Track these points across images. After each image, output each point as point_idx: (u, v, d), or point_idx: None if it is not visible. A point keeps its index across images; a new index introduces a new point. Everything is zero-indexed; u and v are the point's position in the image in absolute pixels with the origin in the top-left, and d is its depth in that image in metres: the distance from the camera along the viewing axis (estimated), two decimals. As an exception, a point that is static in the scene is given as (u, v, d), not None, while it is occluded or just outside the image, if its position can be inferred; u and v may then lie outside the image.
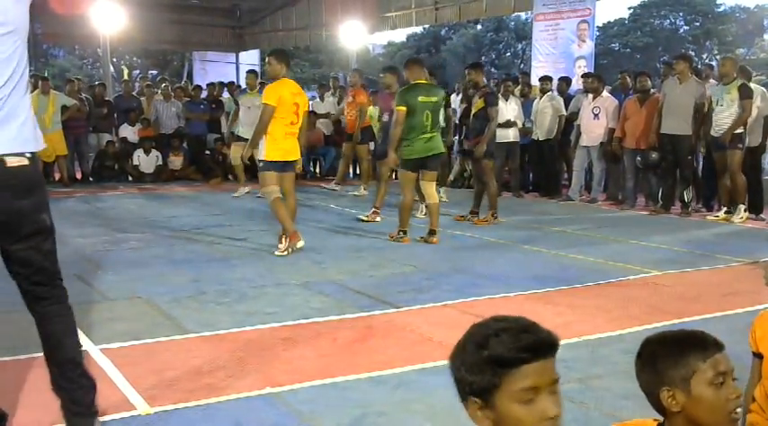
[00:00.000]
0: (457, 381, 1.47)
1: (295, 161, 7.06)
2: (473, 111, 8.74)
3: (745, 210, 8.94)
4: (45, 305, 2.76)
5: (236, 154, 11.12)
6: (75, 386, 2.82)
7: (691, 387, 1.69)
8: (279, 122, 6.80)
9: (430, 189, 7.65)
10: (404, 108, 7.28)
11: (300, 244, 6.79)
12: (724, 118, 8.86)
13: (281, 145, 6.84)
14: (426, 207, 8.02)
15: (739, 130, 8.81)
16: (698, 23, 40.74)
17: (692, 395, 1.69)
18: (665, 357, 1.74)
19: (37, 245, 2.68)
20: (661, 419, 1.79)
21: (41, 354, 2.86)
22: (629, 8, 42.20)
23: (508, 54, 44.06)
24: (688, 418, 1.71)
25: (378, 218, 8.79)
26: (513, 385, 1.38)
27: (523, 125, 11.49)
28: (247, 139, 10.80)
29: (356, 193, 11.56)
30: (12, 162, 2.55)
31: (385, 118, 8.81)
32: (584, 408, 3.22)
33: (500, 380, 1.39)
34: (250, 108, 10.84)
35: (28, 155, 2.61)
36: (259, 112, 10.65)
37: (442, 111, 8.16)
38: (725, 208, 9.21)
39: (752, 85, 9.05)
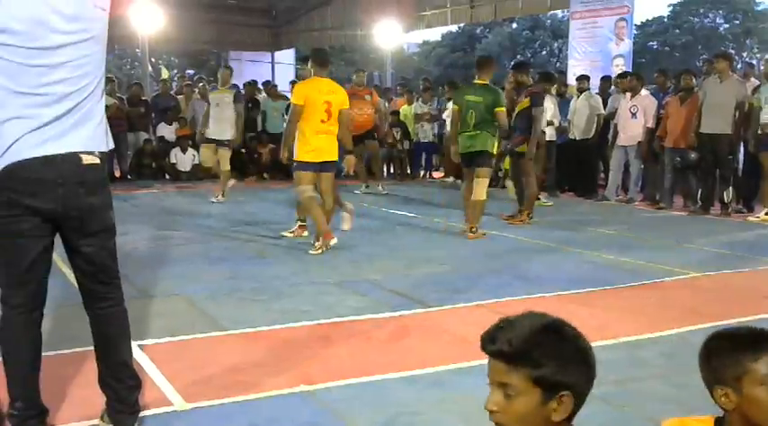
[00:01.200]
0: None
1: (333, 161, 6.98)
2: (517, 110, 8.69)
3: None
4: (105, 306, 2.83)
5: (205, 157, 10.65)
6: (123, 385, 2.89)
7: (742, 387, 1.66)
8: (308, 121, 6.77)
9: (477, 186, 7.73)
10: (456, 106, 7.90)
11: (334, 241, 6.81)
12: None
13: (312, 144, 6.78)
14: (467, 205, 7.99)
15: None
16: (738, 22, 40.04)
17: (744, 395, 1.66)
18: (718, 354, 1.72)
19: (103, 243, 2.76)
20: (720, 413, 1.77)
21: (73, 350, 2.89)
22: (669, 5, 41.63)
23: (544, 53, 43.71)
24: (743, 416, 1.69)
25: (305, 233, 7.61)
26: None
27: (560, 124, 11.39)
28: (215, 140, 10.43)
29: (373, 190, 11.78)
30: (86, 159, 2.64)
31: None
32: (621, 411, 3.19)
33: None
34: (219, 104, 10.35)
35: (98, 154, 2.70)
36: (228, 109, 10.40)
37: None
38: (766, 209, 9.04)
39: None
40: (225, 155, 10.48)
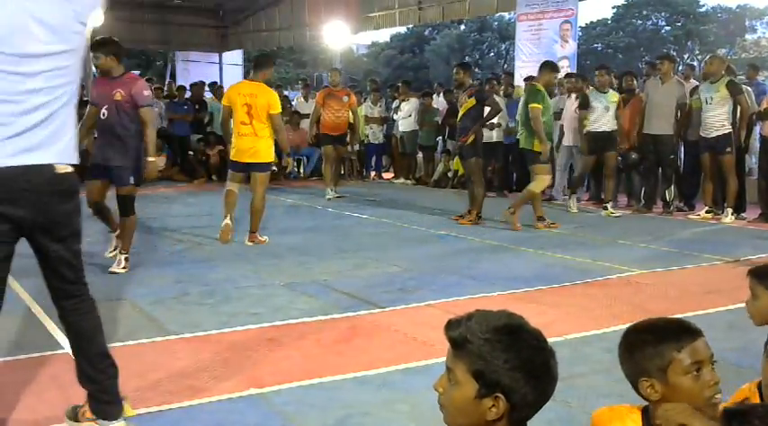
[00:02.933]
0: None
1: (260, 163, 7.19)
2: (462, 111, 8.71)
3: (732, 213, 9.00)
4: (75, 302, 2.89)
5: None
6: (105, 376, 2.94)
7: (667, 377, 1.71)
8: (233, 123, 7.20)
9: (533, 182, 8.51)
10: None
11: (226, 237, 7.23)
12: (713, 116, 8.87)
13: (234, 144, 7.24)
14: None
15: (727, 131, 8.83)
16: (679, 24, 41.06)
17: (670, 385, 1.71)
18: (642, 347, 1.76)
19: (70, 246, 2.82)
20: (644, 404, 1.81)
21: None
22: (613, 8, 42.48)
23: (492, 54, 44.23)
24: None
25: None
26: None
27: (507, 125, 11.53)
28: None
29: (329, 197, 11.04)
30: (60, 169, 2.70)
31: (103, 114, 5.84)
32: (567, 407, 3.24)
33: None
34: None
35: (70, 165, 2.76)
36: None
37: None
38: (706, 208, 9.28)
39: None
40: None
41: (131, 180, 5.95)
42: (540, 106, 8.13)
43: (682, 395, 1.71)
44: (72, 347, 2.96)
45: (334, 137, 11.03)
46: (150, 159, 6.02)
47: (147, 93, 5.93)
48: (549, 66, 8.70)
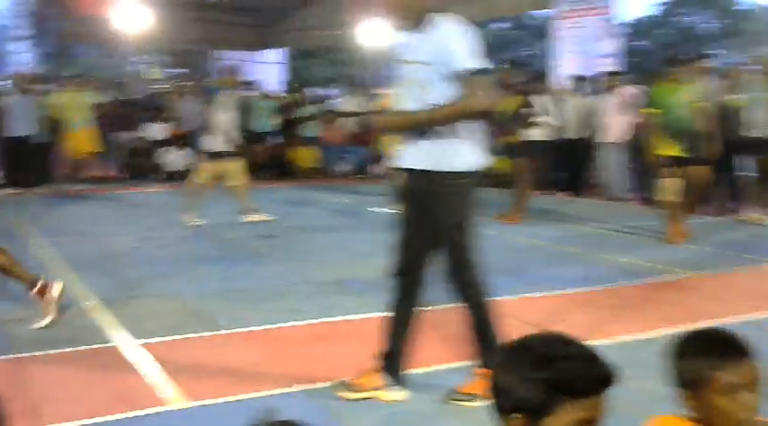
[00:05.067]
0: (501, 390, 1.34)
1: None
2: (507, 109, 8.62)
3: None
4: None
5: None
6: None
7: (702, 393, 1.65)
8: None
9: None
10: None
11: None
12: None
13: None
14: None
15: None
16: (725, 21, 40.37)
17: (702, 400, 1.66)
18: (682, 358, 1.71)
19: None
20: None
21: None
22: (659, 4, 41.89)
23: (528, 52, 43.82)
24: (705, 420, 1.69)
25: None
26: (573, 414, 1.30)
27: (553, 124, 11.42)
28: (226, 155, 8.56)
29: None
30: None
31: None
32: (619, 410, 3.20)
33: (559, 407, 1.29)
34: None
35: None
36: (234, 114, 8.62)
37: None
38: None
39: None
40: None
41: None
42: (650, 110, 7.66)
43: (713, 414, 1.64)
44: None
45: None
46: None
47: None
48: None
